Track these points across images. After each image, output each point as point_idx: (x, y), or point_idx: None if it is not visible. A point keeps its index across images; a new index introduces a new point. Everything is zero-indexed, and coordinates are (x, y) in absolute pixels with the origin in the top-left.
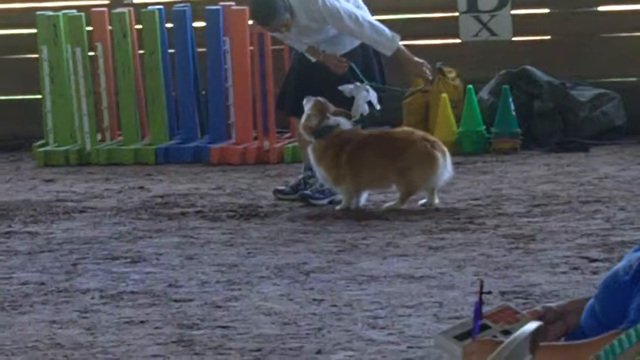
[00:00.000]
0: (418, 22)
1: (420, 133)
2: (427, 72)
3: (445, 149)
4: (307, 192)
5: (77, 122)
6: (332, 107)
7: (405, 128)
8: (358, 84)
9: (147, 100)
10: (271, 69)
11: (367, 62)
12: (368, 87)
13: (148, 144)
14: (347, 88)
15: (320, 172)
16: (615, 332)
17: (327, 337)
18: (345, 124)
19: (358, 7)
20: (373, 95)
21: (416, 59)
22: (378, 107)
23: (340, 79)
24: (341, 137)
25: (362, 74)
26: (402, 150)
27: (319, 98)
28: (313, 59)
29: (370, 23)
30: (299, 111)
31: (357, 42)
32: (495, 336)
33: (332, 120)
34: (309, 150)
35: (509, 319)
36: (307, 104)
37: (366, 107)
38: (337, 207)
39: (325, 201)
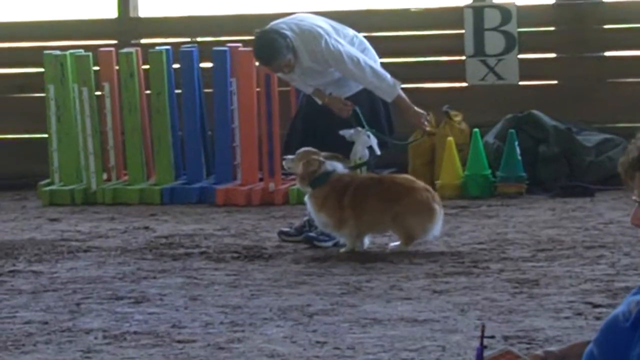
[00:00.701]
0: (425, 65)
1: (422, 183)
2: (426, 123)
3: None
4: (312, 234)
5: (83, 161)
6: (321, 153)
7: (407, 176)
8: (359, 128)
9: (153, 140)
10: (277, 110)
11: (373, 105)
12: (369, 132)
13: (154, 184)
14: (347, 132)
15: (321, 219)
16: None
17: None
18: (340, 167)
19: (364, 49)
20: (373, 141)
21: (416, 108)
22: (378, 152)
23: (345, 123)
24: (341, 182)
25: (368, 117)
26: (402, 196)
27: (306, 148)
28: (320, 102)
29: (372, 68)
30: None
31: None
32: None
33: (329, 165)
34: (307, 199)
35: None
36: (293, 159)
37: (366, 152)
38: (342, 250)
39: (330, 243)
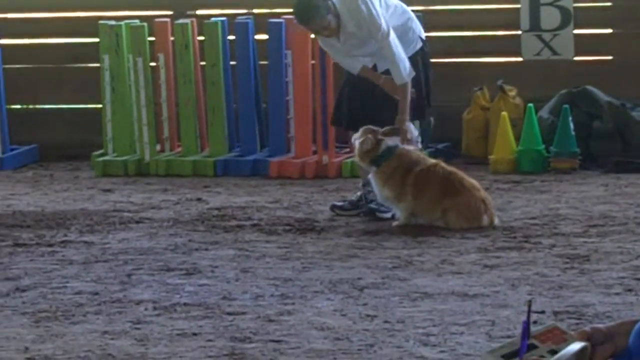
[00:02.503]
0: (480, 39)
1: (484, 194)
2: (409, 137)
3: (494, 219)
4: (374, 205)
5: (136, 132)
6: (380, 130)
7: (475, 182)
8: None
9: (207, 112)
10: (332, 83)
11: (416, 75)
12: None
13: (207, 156)
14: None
15: (384, 193)
16: None
17: (378, 353)
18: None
19: (408, 19)
20: (415, 132)
21: (407, 115)
22: (420, 146)
23: (388, 100)
24: (409, 158)
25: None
26: (458, 194)
27: (366, 126)
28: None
29: (397, 47)
30: (355, 124)
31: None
32: (542, 356)
33: (390, 140)
34: (371, 177)
35: (557, 339)
36: (357, 135)
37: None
38: (395, 224)
39: (389, 214)
